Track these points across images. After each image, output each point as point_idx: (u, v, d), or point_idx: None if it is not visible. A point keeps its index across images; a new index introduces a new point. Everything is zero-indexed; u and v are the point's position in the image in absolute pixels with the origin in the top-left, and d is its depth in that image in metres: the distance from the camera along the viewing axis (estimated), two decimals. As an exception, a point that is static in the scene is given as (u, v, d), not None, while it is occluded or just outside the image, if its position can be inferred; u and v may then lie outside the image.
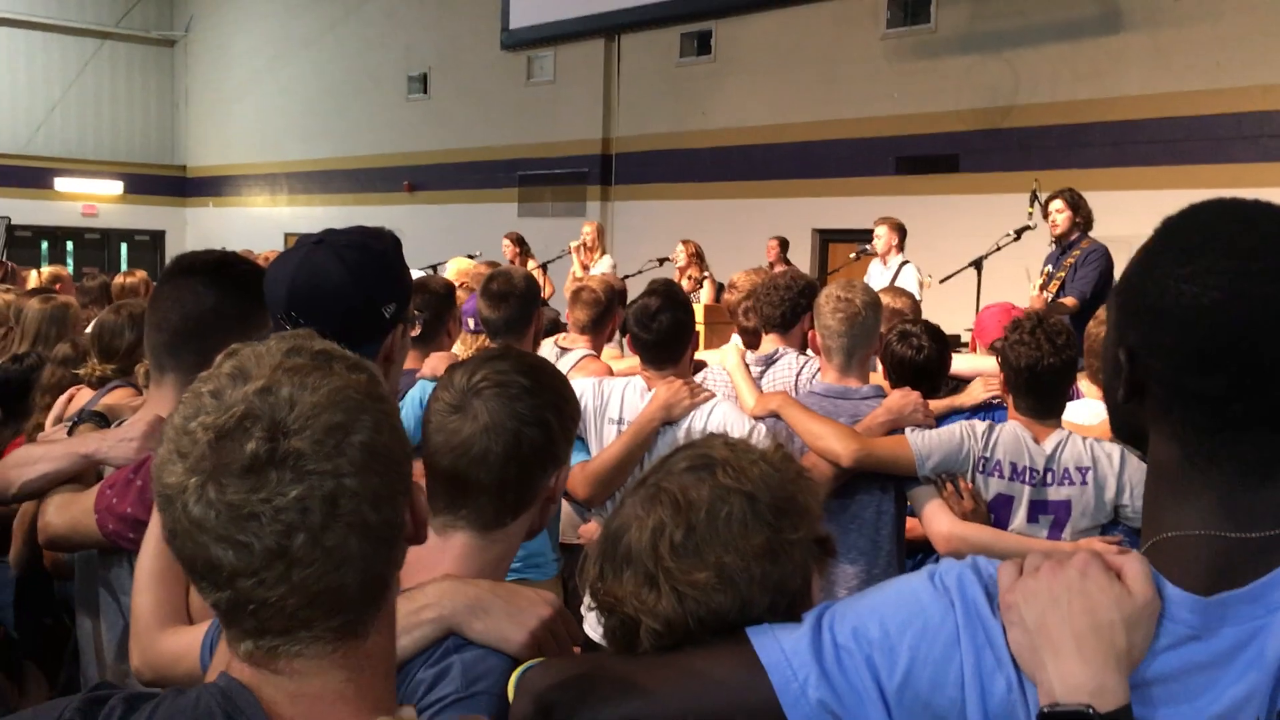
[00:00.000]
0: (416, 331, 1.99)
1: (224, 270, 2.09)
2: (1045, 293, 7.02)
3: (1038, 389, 2.91)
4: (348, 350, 1.02)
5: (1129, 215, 10.46)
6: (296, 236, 2.54)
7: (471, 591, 1.41)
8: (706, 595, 1.22)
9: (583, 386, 3.43)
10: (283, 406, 0.91)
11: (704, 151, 14.63)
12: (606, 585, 1.28)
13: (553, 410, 1.53)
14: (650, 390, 3.33)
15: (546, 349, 4.53)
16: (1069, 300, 6.76)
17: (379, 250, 1.85)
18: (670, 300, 3.35)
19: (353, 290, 1.77)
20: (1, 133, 22.37)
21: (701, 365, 4.06)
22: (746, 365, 3.75)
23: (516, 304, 3.60)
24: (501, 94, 17.31)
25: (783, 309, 3.86)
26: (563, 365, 4.21)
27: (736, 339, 4.39)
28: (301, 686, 0.96)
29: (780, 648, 1.15)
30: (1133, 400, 1.12)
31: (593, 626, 3.39)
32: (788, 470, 1.33)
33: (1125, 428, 1.20)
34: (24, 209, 21.25)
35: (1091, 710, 0.99)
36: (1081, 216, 7.11)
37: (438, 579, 1.43)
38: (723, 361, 3.89)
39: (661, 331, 3.31)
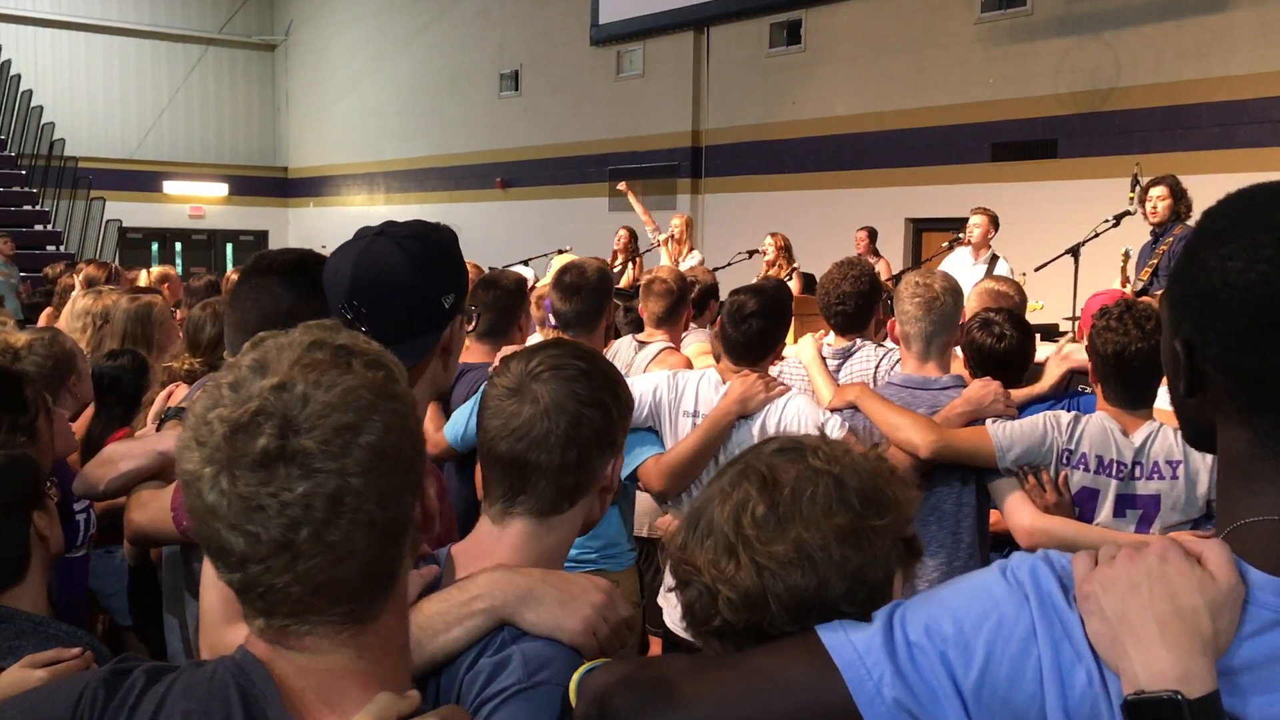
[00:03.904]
0: (472, 326, 2.00)
1: (301, 270, 2.07)
2: (1138, 281, 6.83)
3: (1126, 376, 2.81)
4: (374, 343, 1.05)
5: (1236, 199, 10.11)
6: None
7: (523, 581, 1.39)
8: (784, 570, 1.21)
9: (657, 379, 3.43)
10: (295, 404, 0.95)
11: (794, 142, 14.51)
12: (687, 555, 1.27)
13: (610, 394, 1.53)
14: (724, 384, 3.31)
15: (625, 345, 4.51)
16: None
17: (438, 241, 1.83)
18: (769, 306, 3.32)
19: (414, 280, 1.76)
20: (113, 139, 23.22)
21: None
22: (823, 358, 3.70)
23: (588, 297, 3.59)
24: (592, 89, 17.41)
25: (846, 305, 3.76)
26: (641, 359, 4.20)
27: (810, 336, 4.30)
28: (311, 661, 1.01)
29: (853, 646, 1.12)
30: (1196, 394, 1.10)
31: (670, 619, 3.43)
32: (881, 466, 1.31)
33: (1193, 427, 1.17)
34: (135, 212, 22.00)
35: (1179, 696, 0.95)
36: (1183, 206, 6.91)
37: (489, 569, 1.42)
38: (798, 354, 3.84)
39: (751, 334, 3.29)
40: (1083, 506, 2.83)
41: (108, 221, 19.64)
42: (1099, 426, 2.83)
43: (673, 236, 10.07)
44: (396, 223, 1.86)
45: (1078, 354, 3.33)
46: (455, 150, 20.31)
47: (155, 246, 23.73)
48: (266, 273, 2.09)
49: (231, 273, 8.09)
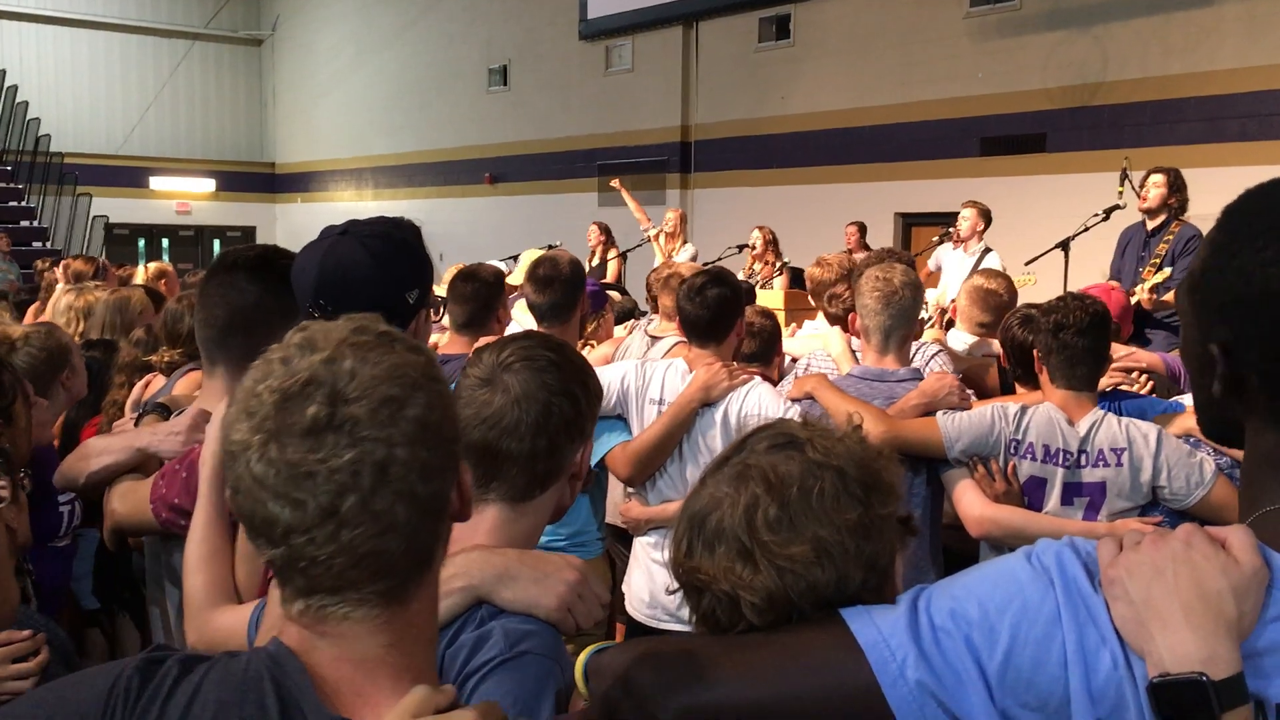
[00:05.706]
0: (439, 317, 2.06)
1: (267, 265, 2.15)
2: (1141, 281, 6.78)
3: (1067, 351, 2.90)
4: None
5: (1223, 193, 9.99)
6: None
7: (499, 560, 1.44)
8: (806, 569, 1.22)
9: (625, 368, 3.52)
10: (344, 376, 0.97)
11: (783, 137, 14.52)
12: (696, 563, 1.27)
13: (579, 384, 1.58)
14: (690, 372, 3.38)
15: (637, 338, 4.53)
16: (1173, 296, 6.52)
17: (401, 239, 1.90)
18: (718, 279, 3.42)
19: (378, 278, 1.83)
20: (99, 134, 23.14)
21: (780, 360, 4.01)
22: (853, 351, 3.73)
23: (562, 289, 3.66)
24: (580, 84, 17.39)
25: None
26: (655, 353, 4.23)
27: (838, 329, 4.29)
28: (346, 650, 1.01)
29: (877, 628, 1.13)
30: (1229, 395, 1.10)
31: (631, 603, 3.46)
32: (869, 449, 1.33)
33: (1219, 424, 1.17)
34: (121, 208, 21.94)
35: (1204, 678, 0.96)
36: (1177, 199, 6.88)
37: (466, 549, 1.46)
38: (826, 347, 3.86)
39: (709, 304, 3.35)
40: (1031, 495, 2.89)
41: (94, 217, 19.61)
42: (1045, 417, 2.90)
43: (665, 231, 10.07)
44: (360, 221, 1.95)
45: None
46: (443, 145, 20.26)
47: (142, 242, 23.65)
48: (233, 269, 2.17)
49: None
